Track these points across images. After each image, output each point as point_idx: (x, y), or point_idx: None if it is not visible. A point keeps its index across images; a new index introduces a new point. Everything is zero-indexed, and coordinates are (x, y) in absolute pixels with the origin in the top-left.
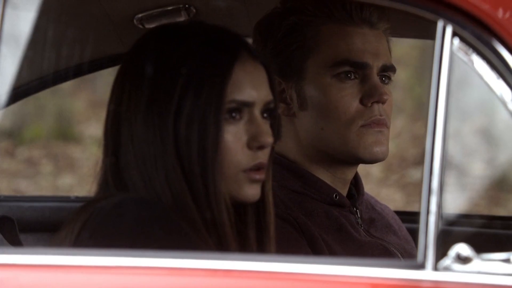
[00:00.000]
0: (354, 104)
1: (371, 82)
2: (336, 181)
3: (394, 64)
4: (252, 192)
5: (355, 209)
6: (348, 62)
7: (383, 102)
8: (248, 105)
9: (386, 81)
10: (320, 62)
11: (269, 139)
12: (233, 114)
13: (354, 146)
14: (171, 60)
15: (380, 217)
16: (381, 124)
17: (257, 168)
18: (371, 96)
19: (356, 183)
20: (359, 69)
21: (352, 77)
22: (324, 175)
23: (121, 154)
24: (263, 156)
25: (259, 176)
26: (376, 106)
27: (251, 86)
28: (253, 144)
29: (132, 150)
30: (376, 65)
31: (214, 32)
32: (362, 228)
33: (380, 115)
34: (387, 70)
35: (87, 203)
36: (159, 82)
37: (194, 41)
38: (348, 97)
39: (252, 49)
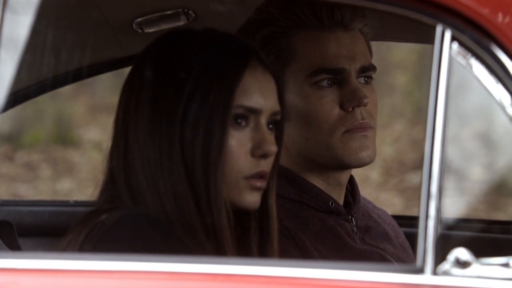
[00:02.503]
0: (335, 111)
1: (349, 86)
2: (330, 187)
3: (373, 64)
4: (251, 199)
5: (350, 217)
6: (324, 70)
7: (364, 106)
8: (255, 112)
9: (368, 81)
10: (297, 72)
11: (273, 148)
12: (239, 120)
13: (340, 153)
14: (181, 65)
15: (376, 225)
16: (364, 127)
17: (259, 176)
18: (350, 101)
19: (352, 190)
20: (336, 75)
21: (331, 83)
22: (317, 183)
23: (128, 156)
24: (265, 165)
25: (260, 184)
26: (357, 110)
27: (259, 94)
28: (257, 152)
29: (138, 152)
30: (353, 68)
31: (225, 38)
32: (358, 236)
33: (363, 119)
34: (366, 71)
35: (91, 211)
36: (168, 86)
37: (205, 46)
38: (328, 104)
39: (263, 59)
